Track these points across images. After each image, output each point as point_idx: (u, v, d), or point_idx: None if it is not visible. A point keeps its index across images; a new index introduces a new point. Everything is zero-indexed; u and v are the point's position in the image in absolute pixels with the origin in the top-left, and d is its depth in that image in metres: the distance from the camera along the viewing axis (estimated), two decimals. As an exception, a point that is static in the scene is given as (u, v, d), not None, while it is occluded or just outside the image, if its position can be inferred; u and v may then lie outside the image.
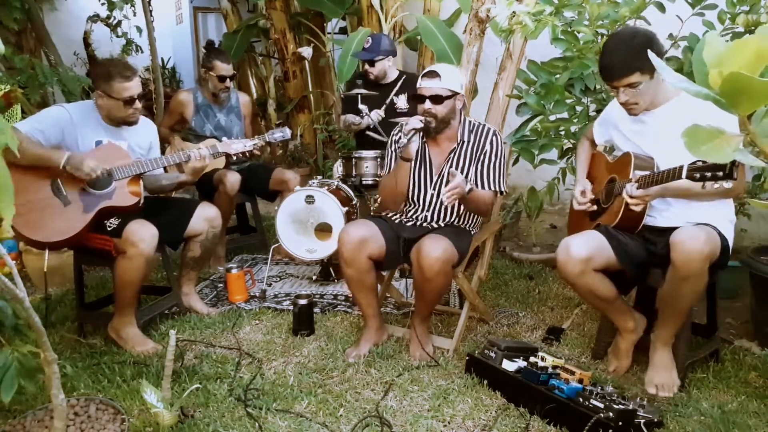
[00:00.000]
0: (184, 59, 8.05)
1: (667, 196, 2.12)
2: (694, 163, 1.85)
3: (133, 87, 2.58)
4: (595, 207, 2.36)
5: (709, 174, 1.80)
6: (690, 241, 1.97)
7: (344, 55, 4.74)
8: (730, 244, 2.18)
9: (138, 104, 2.63)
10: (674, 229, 2.10)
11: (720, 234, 2.11)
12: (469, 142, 2.53)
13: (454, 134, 2.54)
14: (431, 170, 2.58)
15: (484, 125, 2.56)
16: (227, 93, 3.68)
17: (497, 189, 2.52)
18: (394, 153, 2.65)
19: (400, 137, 2.61)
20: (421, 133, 2.47)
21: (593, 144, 2.53)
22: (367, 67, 3.71)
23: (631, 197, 2.06)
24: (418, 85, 2.47)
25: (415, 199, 2.62)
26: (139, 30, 5.28)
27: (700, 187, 1.90)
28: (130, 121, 2.65)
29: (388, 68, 3.76)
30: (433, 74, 2.43)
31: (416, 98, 2.46)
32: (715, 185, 1.81)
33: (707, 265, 1.98)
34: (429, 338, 2.57)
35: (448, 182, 2.33)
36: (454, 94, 2.44)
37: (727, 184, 1.80)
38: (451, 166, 2.54)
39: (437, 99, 2.42)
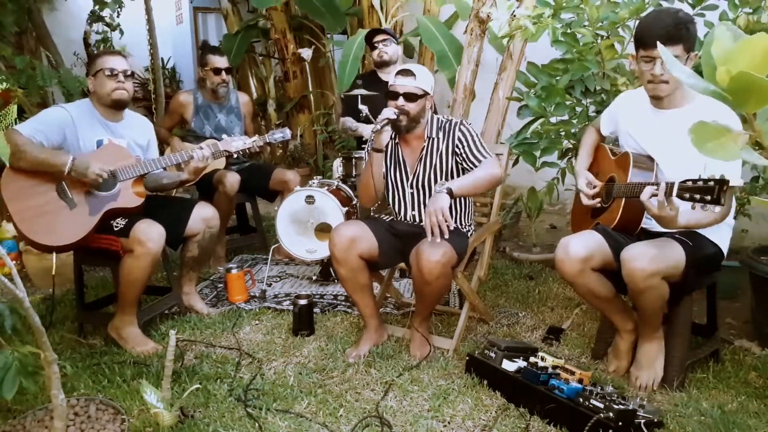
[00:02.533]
0: (184, 59, 8.05)
1: (672, 226, 1.99)
2: (684, 181, 1.80)
3: (116, 61, 2.60)
4: (599, 202, 2.34)
5: (697, 196, 1.76)
6: (634, 260, 2.00)
7: (345, 60, 4.74)
8: (725, 247, 2.19)
9: (122, 78, 2.58)
10: (667, 233, 2.12)
11: (705, 241, 2.13)
12: (438, 138, 2.54)
13: (422, 132, 2.56)
14: (406, 170, 2.60)
15: (451, 120, 2.57)
16: (226, 88, 3.68)
17: (486, 156, 2.47)
18: (368, 155, 2.64)
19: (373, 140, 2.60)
20: (393, 133, 2.51)
21: (600, 135, 2.51)
22: (381, 46, 3.76)
23: (648, 200, 1.96)
24: (391, 83, 2.50)
25: (397, 200, 2.64)
26: (121, 32, 5.29)
27: (697, 218, 1.91)
28: (116, 98, 2.60)
29: (398, 57, 3.82)
30: (407, 73, 2.46)
31: (390, 95, 2.49)
32: (704, 208, 1.77)
33: (656, 281, 2.00)
34: (429, 338, 2.57)
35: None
36: (426, 94, 2.48)
37: (716, 209, 1.76)
38: (423, 164, 2.55)
39: (411, 97, 2.45)
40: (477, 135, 2.51)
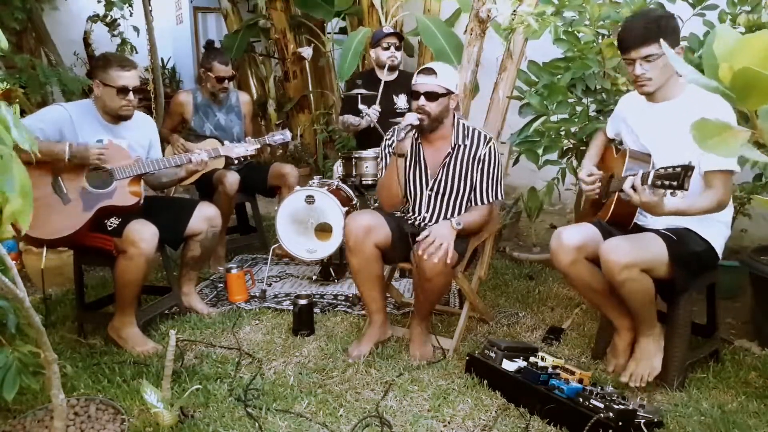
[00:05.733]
0: (184, 59, 8.05)
1: (658, 212, 2.00)
2: (658, 169, 1.85)
3: (129, 77, 2.59)
4: (597, 192, 2.34)
5: (667, 182, 1.80)
6: (610, 252, 2.03)
7: (345, 52, 4.75)
8: (718, 245, 2.19)
9: (131, 96, 2.60)
10: (657, 229, 2.14)
11: (694, 238, 2.13)
12: (464, 146, 2.53)
13: (447, 134, 2.54)
14: (426, 171, 2.58)
15: (479, 131, 2.55)
16: (226, 93, 3.68)
17: (492, 199, 2.54)
18: (387, 156, 2.63)
19: (393, 141, 2.58)
20: (416, 132, 2.47)
21: (607, 137, 2.53)
22: (393, 50, 3.74)
23: (630, 188, 1.98)
24: (413, 82, 2.47)
25: (412, 200, 2.62)
26: (137, 30, 5.29)
27: (686, 204, 1.93)
28: (123, 114, 2.63)
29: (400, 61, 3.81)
30: (429, 71, 2.43)
31: (411, 95, 2.47)
32: (673, 194, 1.80)
33: (634, 273, 2.02)
34: (429, 338, 2.57)
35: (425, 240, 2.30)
36: (449, 92, 2.44)
37: (681, 194, 1.79)
38: (446, 170, 2.54)
39: (432, 96, 2.42)
40: (499, 166, 2.53)
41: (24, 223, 1.15)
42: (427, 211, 2.60)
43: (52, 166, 2.47)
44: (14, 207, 1.09)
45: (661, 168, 1.85)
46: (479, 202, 2.54)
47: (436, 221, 2.57)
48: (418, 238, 2.31)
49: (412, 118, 2.40)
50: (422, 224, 2.58)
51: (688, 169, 1.75)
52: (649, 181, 1.87)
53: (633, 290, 2.07)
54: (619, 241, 2.06)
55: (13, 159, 1.12)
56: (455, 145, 2.52)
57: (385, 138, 2.68)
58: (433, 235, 2.27)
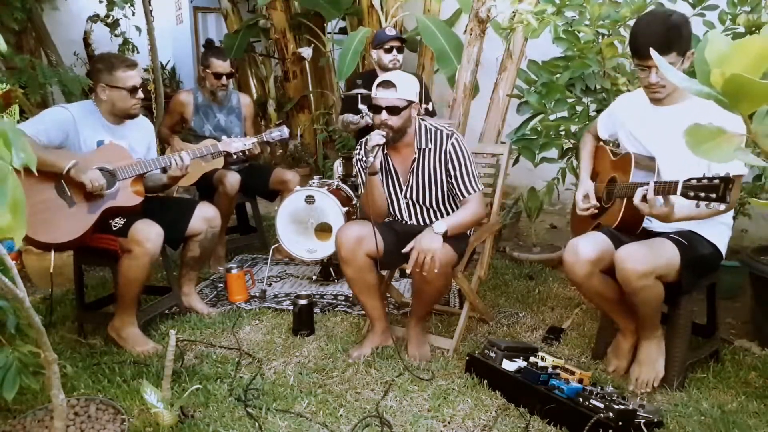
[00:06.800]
0: (184, 59, 8.05)
1: (669, 221, 2.02)
2: (689, 180, 1.82)
3: (135, 76, 2.63)
4: (596, 209, 2.34)
5: (703, 194, 1.78)
6: (627, 261, 2.02)
7: (345, 52, 4.75)
8: (723, 247, 2.19)
9: (141, 94, 2.65)
10: (665, 233, 2.14)
11: (702, 241, 2.14)
12: (428, 149, 2.50)
13: (411, 140, 2.52)
14: (398, 179, 2.57)
15: (441, 129, 2.51)
16: (225, 91, 3.68)
17: (473, 191, 2.46)
18: (361, 170, 2.61)
19: (362, 156, 2.56)
20: (382, 146, 2.46)
21: (597, 139, 2.52)
22: (395, 53, 3.71)
23: (641, 201, 1.98)
24: (373, 95, 2.44)
25: (393, 208, 2.62)
26: (139, 29, 5.29)
27: (696, 210, 1.91)
28: (133, 113, 2.66)
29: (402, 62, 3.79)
30: (388, 84, 2.40)
31: (373, 108, 2.45)
32: (709, 206, 1.79)
33: (650, 281, 2.02)
34: (427, 338, 2.57)
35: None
36: (410, 103, 2.43)
37: (721, 207, 1.78)
38: (416, 176, 2.52)
39: (394, 110, 2.39)
40: (468, 157, 2.47)
41: (17, 239, 1.15)
42: (410, 219, 2.60)
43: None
44: (3, 222, 1.07)
45: (694, 179, 1.80)
46: (461, 197, 2.48)
47: (424, 225, 2.55)
48: (404, 250, 2.28)
49: (377, 138, 2.38)
50: (417, 226, 2.58)
51: (728, 182, 1.71)
52: (678, 192, 1.84)
53: (647, 297, 2.07)
54: (634, 249, 2.04)
55: (9, 173, 1.11)
56: (419, 149, 2.50)
57: (354, 153, 2.65)
58: (417, 250, 2.24)
